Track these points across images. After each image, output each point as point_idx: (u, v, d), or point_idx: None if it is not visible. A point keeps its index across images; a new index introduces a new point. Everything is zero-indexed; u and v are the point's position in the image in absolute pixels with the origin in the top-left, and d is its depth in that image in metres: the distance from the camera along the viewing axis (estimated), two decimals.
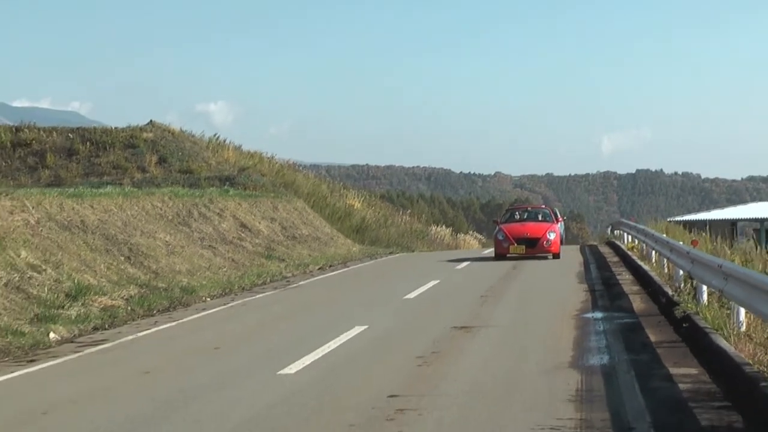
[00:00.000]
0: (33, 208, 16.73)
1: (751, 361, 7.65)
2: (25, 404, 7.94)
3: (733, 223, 54.58)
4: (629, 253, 21.66)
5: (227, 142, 44.02)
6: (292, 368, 8.80)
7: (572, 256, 24.13)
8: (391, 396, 7.45)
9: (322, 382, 8.19)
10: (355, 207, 43.63)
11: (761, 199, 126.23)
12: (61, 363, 10.01)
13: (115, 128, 41.11)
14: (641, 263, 17.89)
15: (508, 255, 22.83)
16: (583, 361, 8.83)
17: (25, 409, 7.73)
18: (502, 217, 26.03)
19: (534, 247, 22.67)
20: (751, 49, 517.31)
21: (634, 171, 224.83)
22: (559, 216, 29.36)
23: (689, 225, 37.97)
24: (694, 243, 13.99)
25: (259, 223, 26.35)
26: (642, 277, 16.02)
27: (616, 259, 22.23)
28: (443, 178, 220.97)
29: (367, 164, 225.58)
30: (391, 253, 29.65)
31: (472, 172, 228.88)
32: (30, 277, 14.13)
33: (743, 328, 9.05)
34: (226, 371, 9.01)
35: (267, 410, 7.18)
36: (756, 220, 55.47)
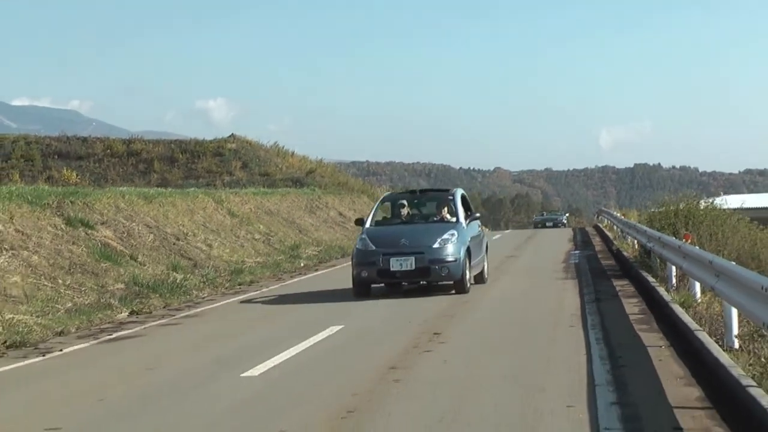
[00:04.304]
0: (248, 202, 29.98)
1: (632, 258, 20.93)
2: (335, 279, 21.12)
3: None
4: (604, 228, 35.03)
5: (285, 148, 57.19)
6: None
7: (567, 232, 37.54)
8: (492, 273, 20.75)
9: None
10: None
11: (757, 191, 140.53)
12: (328, 271, 23.14)
13: (205, 140, 54.12)
14: (607, 232, 31.33)
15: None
16: (568, 262, 22.15)
17: (336, 278, 20.88)
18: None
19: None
20: (750, 43, 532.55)
21: (632, 165, 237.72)
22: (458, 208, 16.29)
23: None
24: (625, 214, 27.55)
25: (348, 212, 39.57)
26: (605, 239, 29.46)
27: (594, 233, 35.68)
28: (443, 174, 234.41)
29: (367, 161, 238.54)
30: None
31: (471, 168, 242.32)
32: (269, 238, 27.35)
33: (636, 247, 22.35)
34: None
35: None
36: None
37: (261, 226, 27.96)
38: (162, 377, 9.26)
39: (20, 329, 12.62)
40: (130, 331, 13.14)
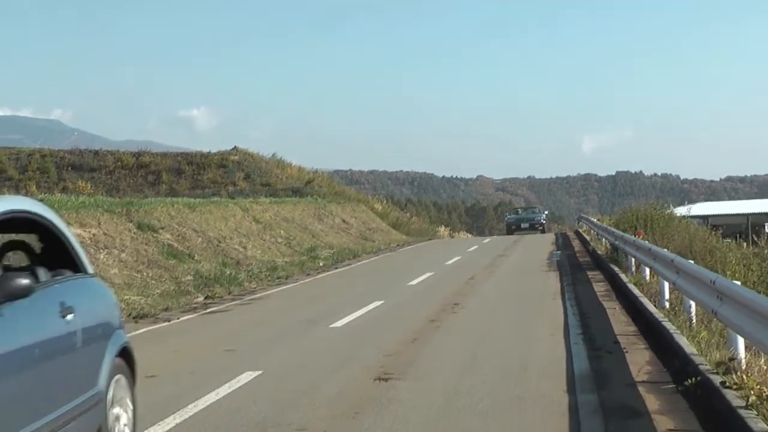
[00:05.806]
0: (267, 210, 34.38)
1: (604, 255, 25.48)
2: (355, 274, 25.52)
3: None
4: (583, 233, 39.65)
5: (283, 160, 61.48)
6: (449, 262, 26.53)
7: (549, 236, 42.13)
8: (488, 267, 25.25)
9: (468, 262, 25.95)
10: (380, 209, 61.18)
11: (738, 198, 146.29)
12: (346, 269, 27.53)
13: (210, 152, 58.36)
14: (585, 235, 35.97)
15: None
16: (551, 260, 26.67)
17: (356, 273, 25.26)
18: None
19: None
20: (730, 52, 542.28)
21: (614, 173, 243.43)
22: None
23: None
24: (600, 220, 32.17)
25: (350, 219, 44.02)
26: (583, 241, 34.10)
27: (574, 236, 40.33)
28: (426, 182, 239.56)
29: (350, 169, 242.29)
30: (429, 239, 47.44)
31: (454, 176, 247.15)
32: (290, 242, 31.75)
33: (608, 246, 26.91)
34: (426, 262, 26.60)
35: (445, 271, 24.81)
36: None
37: (282, 231, 32.38)
38: (274, 328, 13.68)
39: (135, 306, 16.97)
40: (218, 308, 17.52)
